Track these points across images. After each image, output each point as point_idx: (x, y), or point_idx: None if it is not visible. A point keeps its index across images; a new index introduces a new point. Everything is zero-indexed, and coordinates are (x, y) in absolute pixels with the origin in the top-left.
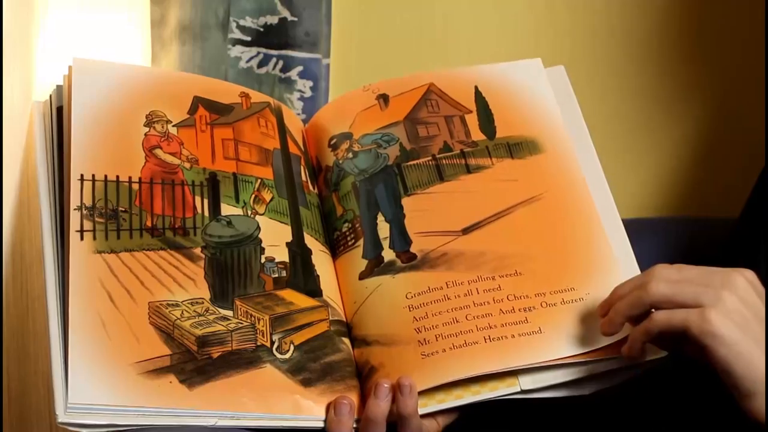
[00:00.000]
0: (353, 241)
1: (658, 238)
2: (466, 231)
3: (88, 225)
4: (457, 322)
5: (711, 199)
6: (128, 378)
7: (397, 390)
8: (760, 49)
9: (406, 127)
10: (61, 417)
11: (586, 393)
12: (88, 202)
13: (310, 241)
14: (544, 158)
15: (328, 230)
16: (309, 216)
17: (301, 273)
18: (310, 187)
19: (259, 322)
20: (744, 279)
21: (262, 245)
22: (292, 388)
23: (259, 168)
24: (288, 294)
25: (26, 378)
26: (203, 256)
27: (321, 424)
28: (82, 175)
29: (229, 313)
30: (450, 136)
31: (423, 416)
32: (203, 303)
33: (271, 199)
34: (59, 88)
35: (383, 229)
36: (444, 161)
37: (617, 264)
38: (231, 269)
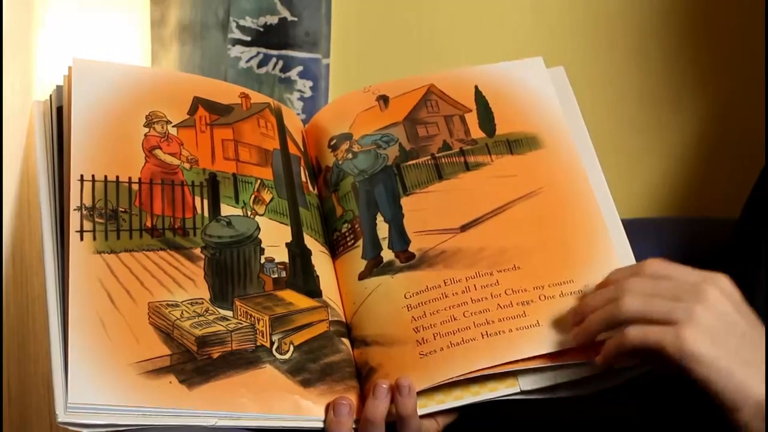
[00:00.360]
0: (353, 241)
1: (658, 238)
2: (464, 228)
3: (87, 225)
4: (454, 319)
5: (711, 199)
6: (128, 378)
7: (395, 391)
8: (760, 49)
9: (406, 128)
10: (61, 417)
11: (586, 393)
12: (88, 202)
13: (309, 241)
14: (544, 153)
15: (327, 231)
16: (309, 216)
17: (300, 273)
18: (310, 188)
19: (258, 323)
20: (717, 290)
21: (262, 246)
22: (292, 388)
23: (258, 168)
24: (288, 294)
25: (26, 378)
26: (203, 256)
27: (320, 425)
28: (82, 176)
29: (228, 313)
30: (449, 135)
31: (423, 416)
32: (203, 303)
33: (271, 200)
34: (59, 88)
35: (382, 229)
36: (443, 160)
37: (616, 255)
38: (231, 269)
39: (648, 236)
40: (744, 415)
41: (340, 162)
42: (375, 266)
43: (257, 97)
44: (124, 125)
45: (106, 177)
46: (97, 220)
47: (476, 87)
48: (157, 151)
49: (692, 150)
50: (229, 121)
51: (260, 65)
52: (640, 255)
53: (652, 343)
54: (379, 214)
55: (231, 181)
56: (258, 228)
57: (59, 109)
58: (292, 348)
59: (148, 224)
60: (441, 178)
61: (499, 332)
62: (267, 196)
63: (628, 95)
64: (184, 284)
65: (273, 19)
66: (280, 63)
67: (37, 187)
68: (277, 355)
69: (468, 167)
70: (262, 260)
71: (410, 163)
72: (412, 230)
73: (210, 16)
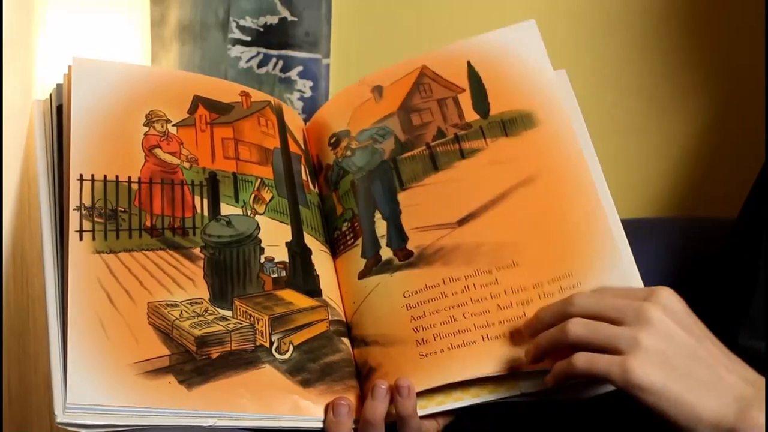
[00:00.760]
0: (353, 240)
1: (658, 238)
2: (461, 222)
3: (87, 225)
4: (454, 320)
5: (711, 199)
6: (127, 378)
7: (395, 391)
8: (760, 49)
9: (400, 118)
10: (60, 417)
11: (587, 396)
12: (87, 202)
13: (310, 240)
14: (539, 132)
15: (328, 229)
16: (309, 215)
17: (300, 273)
18: (311, 186)
19: (258, 323)
20: (659, 310)
21: (262, 245)
22: (291, 388)
23: (259, 167)
24: (287, 294)
25: (26, 378)
26: (202, 256)
27: (320, 425)
28: (81, 175)
29: (228, 313)
30: (443, 121)
31: (422, 417)
32: (202, 303)
33: (271, 199)
34: (59, 87)
35: (381, 227)
36: (438, 149)
37: (615, 243)
38: (230, 269)
39: (648, 236)
40: None
41: (339, 160)
42: (374, 265)
43: (258, 96)
44: (123, 124)
45: (105, 176)
46: (96, 219)
47: (468, 63)
48: (157, 150)
49: (692, 150)
50: (230, 120)
51: (260, 65)
52: (640, 255)
53: (599, 372)
54: (377, 211)
55: (231, 180)
56: (258, 227)
57: (59, 108)
58: (291, 348)
59: (148, 224)
60: (437, 169)
61: (500, 336)
62: (267, 195)
63: (627, 96)
64: (183, 284)
65: (273, 19)
66: (280, 63)
67: (37, 187)
68: (277, 355)
69: (463, 155)
70: (262, 260)
71: (406, 155)
72: (409, 226)
73: (210, 16)
